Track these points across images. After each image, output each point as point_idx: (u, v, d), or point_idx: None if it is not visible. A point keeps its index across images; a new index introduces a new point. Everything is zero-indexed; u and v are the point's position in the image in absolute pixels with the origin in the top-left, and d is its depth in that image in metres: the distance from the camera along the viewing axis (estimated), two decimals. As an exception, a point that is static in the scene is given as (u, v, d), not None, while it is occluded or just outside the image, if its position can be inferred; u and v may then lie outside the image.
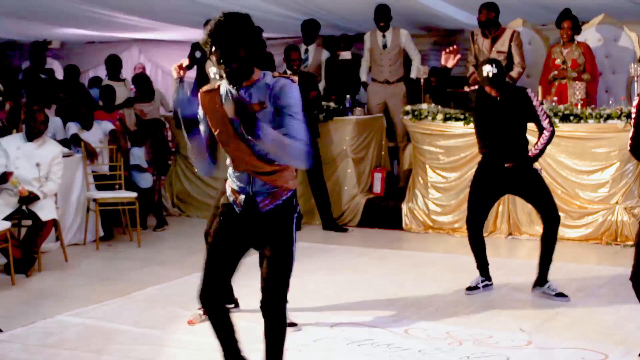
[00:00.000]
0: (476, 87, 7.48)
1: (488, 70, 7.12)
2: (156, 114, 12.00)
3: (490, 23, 10.46)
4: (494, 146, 7.24)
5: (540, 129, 7.15)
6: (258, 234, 4.61)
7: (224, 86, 4.45)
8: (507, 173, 7.21)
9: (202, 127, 4.58)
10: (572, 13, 10.34)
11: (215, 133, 4.52)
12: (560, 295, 7.13)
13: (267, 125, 4.24)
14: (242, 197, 4.56)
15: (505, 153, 7.17)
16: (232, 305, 6.63)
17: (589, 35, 11.08)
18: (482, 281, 7.45)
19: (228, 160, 4.61)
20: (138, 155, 10.73)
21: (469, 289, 7.41)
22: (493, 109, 7.19)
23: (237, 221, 4.62)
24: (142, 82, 12.25)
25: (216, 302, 4.75)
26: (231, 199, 4.64)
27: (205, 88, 4.56)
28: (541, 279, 7.27)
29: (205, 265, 4.70)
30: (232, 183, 4.63)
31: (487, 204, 7.50)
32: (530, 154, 7.16)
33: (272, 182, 4.49)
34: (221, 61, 4.31)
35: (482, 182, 7.37)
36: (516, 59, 10.39)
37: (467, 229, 7.52)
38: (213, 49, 4.34)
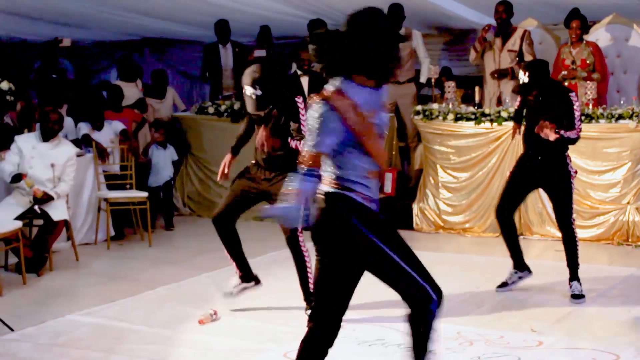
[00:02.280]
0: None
1: (520, 77, 7.23)
2: (167, 113, 11.99)
3: (503, 22, 10.49)
4: (536, 140, 7.23)
5: (571, 122, 7.17)
6: None
7: (352, 89, 4.05)
8: (543, 167, 7.21)
9: (324, 140, 3.98)
10: (580, 12, 10.33)
11: (360, 136, 3.98)
12: (575, 296, 7.11)
13: None
14: (373, 206, 4.22)
15: (545, 148, 7.19)
16: None
17: (600, 34, 11.06)
18: (515, 273, 7.45)
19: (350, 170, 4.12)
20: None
21: (501, 285, 7.40)
22: (535, 110, 7.23)
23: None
24: (157, 77, 12.26)
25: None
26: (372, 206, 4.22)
27: (327, 92, 4.01)
28: (570, 277, 7.28)
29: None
30: (362, 192, 4.15)
31: (519, 196, 7.48)
32: (561, 130, 7.10)
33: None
34: (381, 61, 4.08)
35: (519, 173, 7.38)
36: (527, 57, 10.37)
37: (496, 216, 7.48)
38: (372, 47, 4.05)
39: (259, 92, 6.24)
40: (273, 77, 6.33)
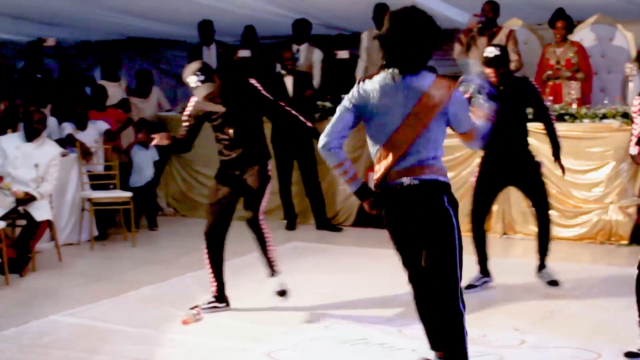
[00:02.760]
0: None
1: (490, 51, 7.15)
2: (151, 112, 11.96)
3: (489, 21, 10.52)
4: (497, 137, 7.19)
5: (544, 110, 7.18)
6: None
7: (381, 76, 4.58)
8: (510, 164, 7.21)
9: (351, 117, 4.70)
10: (565, 13, 10.37)
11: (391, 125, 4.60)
12: (552, 283, 7.18)
13: None
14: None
15: (509, 144, 7.19)
16: None
17: (585, 34, 11.10)
18: (480, 278, 7.45)
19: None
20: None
21: (468, 287, 7.40)
22: (497, 100, 7.15)
23: None
24: (142, 77, 12.24)
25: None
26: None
27: (368, 78, 4.63)
28: (540, 265, 7.40)
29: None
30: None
31: (491, 197, 7.49)
32: (556, 156, 7.29)
33: None
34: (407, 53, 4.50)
35: (487, 175, 7.36)
36: (513, 56, 10.37)
37: (471, 222, 7.46)
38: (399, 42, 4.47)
39: (202, 77, 6.49)
40: (213, 67, 6.59)
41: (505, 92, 7.15)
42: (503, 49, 7.24)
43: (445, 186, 4.66)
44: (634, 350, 5.54)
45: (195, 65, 6.61)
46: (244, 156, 6.77)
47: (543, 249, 7.44)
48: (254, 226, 6.94)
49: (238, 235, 10.19)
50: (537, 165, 7.32)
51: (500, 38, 10.54)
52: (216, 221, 6.85)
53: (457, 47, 11.03)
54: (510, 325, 6.34)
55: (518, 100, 7.19)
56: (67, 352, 5.95)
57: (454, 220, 4.58)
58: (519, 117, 7.28)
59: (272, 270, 6.93)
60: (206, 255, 6.88)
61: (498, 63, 7.12)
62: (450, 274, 4.59)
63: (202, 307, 6.77)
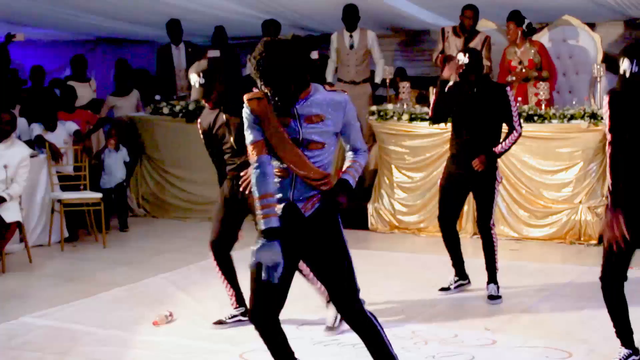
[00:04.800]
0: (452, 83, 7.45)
1: (459, 58, 7.13)
2: (128, 111, 11.90)
3: (469, 27, 10.60)
4: (465, 141, 7.20)
5: (511, 129, 7.14)
6: (304, 244, 4.52)
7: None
8: (471, 170, 7.18)
9: (253, 132, 4.43)
10: (517, 15, 10.46)
11: (269, 139, 4.42)
12: (491, 297, 7.16)
13: (350, 177, 4.67)
14: (281, 206, 4.44)
15: (476, 149, 7.14)
16: None
17: (552, 35, 11.19)
18: (456, 281, 7.45)
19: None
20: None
21: (442, 289, 7.42)
22: (468, 103, 7.16)
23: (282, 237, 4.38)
24: (120, 75, 12.20)
25: (272, 321, 4.56)
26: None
27: (250, 96, 4.44)
28: (488, 280, 7.30)
29: (257, 286, 4.44)
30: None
31: (458, 201, 7.45)
32: (496, 150, 7.12)
33: (320, 187, 4.49)
34: (274, 95, 4.33)
35: (450, 179, 7.34)
36: (485, 62, 10.40)
37: (439, 226, 7.47)
38: (263, 82, 4.32)
39: (202, 80, 6.38)
40: (219, 74, 6.47)
41: (477, 97, 7.13)
42: (474, 55, 7.19)
43: None
44: None
45: (203, 65, 6.56)
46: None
47: (488, 264, 7.30)
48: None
49: (209, 237, 10.18)
50: (494, 179, 7.25)
51: (476, 42, 10.61)
52: (222, 233, 6.66)
53: (434, 53, 11.09)
54: (482, 325, 6.38)
55: (488, 106, 7.12)
56: (38, 354, 5.92)
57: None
58: (488, 124, 7.20)
59: None
60: (217, 268, 6.66)
61: (467, 70, 7.11)
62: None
63: (227, 321, 6.58)
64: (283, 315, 6.32)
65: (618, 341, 5.40)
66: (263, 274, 4.28)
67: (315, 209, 4.50)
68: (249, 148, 4.45)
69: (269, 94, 4.34)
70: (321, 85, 4.57)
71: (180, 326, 6.52)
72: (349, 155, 4.77)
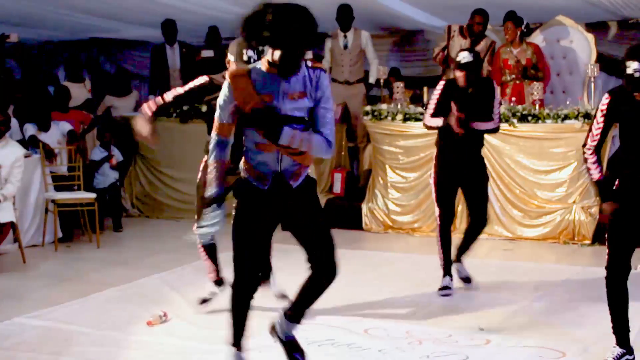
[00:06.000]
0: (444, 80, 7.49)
1: (464, 56, 7.15)
2: (126, 112, 11.89)
3: (480, 32, 10.61)
4: (453, 140, 7.24)
5: (491, 110, 7.24)
6: (290, 210, 4.77)
7: (256, 72, 4.58)
8: (461, 163, 7.22)
9: (224, 113, 4.63)
10: (514, 15, 10.49)
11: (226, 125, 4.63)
12: (466, 279, 7.34)
13: (289, 130, 4.51)
14: (270, 177, 4.67)
15: (462, 146, 7.20)
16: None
17: (546, 36, 11.20)
18: (450, 281, 7.46)
19: (250, 144, 4.67)
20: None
21: (442, 288, 7.41)
22: (463, 100, 7.19)
23: (266, 203, 4.71)
24: (121, 76, 12.20)
25: (253, 289, 4.92)
26: (255, 183, 4.71)
27: (235, 72, 4.62)
28: (456, 258, 7.48)
29: (240, 252, 4.78)
30: (252, 171, 4.70)
31: (453, 196, 7.48)
32: (475, 121, 7.16)
33: (300, 161, 4.63)
34: (280, 57, 4.44)
35: (443, 175, 7.32)
36: (485, 65, 10.41)
37: (440, 224, 7.42)
38: (272, 37, 4.42)
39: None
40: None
41: (474, 95, 7.19)
42: (477, 55, 7.24)
43: None
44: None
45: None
46: None
47: (464, 248, 7.51)
48: None
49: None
50: (485, 168, 7.32)
51: (482, 47, 10.62)
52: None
53: (436, 49, 11.09)
54: (476, 325, 6.38)
55: (483, 101, 7.20)
56: (32, 355, 5.90)
57: None
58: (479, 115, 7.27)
59: None
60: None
61: (469, 69, 7.14)
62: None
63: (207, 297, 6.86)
64: (276, 317, 6.32)
65: (611, 341, 5.41)
66: (201, 238, 4.64)
67: (301, 182, 4.73)
68: (216, 124, 4.67)
69: (270, 58, 4.48)
70: (303, 62, 4.65)
71: (174, 326, 6.50)
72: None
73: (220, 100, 4.65)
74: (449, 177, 7.30)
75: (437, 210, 7.42)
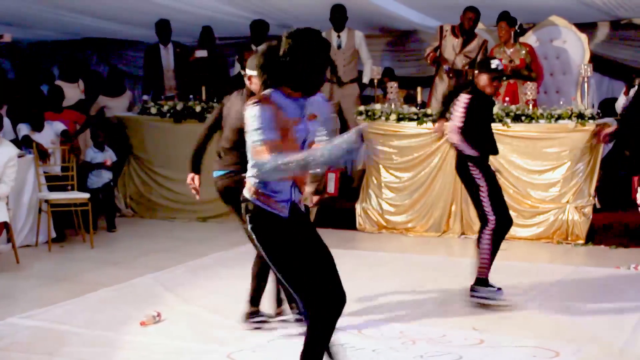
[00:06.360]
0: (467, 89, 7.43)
1: (497, 64, 7.01)
2: (120, 112, 11.88)
3: (469, 29, 10.63)
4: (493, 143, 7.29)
5: None
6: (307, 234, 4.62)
7: (277, 96, 4.39)
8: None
9: (269, 133, 4.28)
10: (508, 15, 10.51)
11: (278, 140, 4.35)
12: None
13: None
14: (287, 205, 4.48)
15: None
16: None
17: (539, 36, 11.22)
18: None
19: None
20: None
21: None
22: (490, 110, 7.29)
23: (290, 229, 4.51)
24: (114, 76, 12.20)
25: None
26: (275, 211, 4.47)
27: (257, 98, 4.37)
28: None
29: (306, 279, 4.56)
30: (268, 199, 4.46)
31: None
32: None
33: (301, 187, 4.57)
34: (302, 75, 4.37)
35: (493, 183, 7.12)
36: None
37: (495, 230, 7.08)
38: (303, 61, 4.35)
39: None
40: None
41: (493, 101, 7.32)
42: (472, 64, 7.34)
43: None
44: None
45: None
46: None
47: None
48: None
49: (197, 236, 10.20)
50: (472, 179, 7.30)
51: (474, 46, 10.64)
52: None
53: (428, 49, 11.10)
54: (470, 325, 6.39)
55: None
56: (25, 355, 5.89)
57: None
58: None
59: None
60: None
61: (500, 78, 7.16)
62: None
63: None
64: (269, 317, 6.32)
65: (605, 340, 5.42)
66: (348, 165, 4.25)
67: (305, 207, 4.73)
68: (265, 145, 4.26)
69: (295, 80, 4.38)
70: None
71: (167, 326, 6.49)
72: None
73: (257, 124, 4.28)
74: (496, 183, 7.19)
75: (492, 218, 7.08)
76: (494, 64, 6.99)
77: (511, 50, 10.52)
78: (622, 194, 9.88)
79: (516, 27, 10.62)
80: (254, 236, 4.48)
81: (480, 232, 7.11)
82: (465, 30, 10.70)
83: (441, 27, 10.97)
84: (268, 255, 4.48)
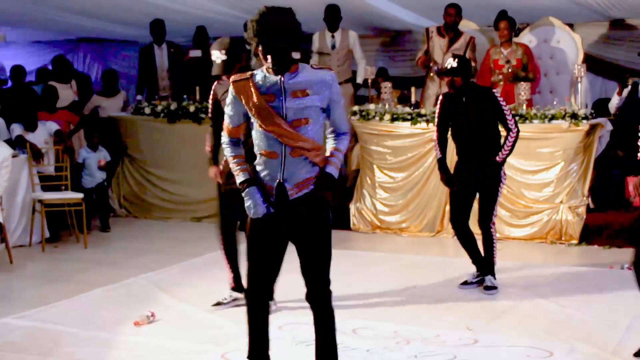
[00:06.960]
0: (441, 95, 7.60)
1: (448, 62, 7.32)
2: (114, 112, 11.86)
3: (453, 25, 10.64)
4: (467, 147, 7.37)
5: (507, 130, 7.27)
6: (291, 224, 4.72)
7: (259, 76, 4.65)
8: (476, 172, 7.31)
9: (230, 115, 4.76)
10: (508, 14, 10.53)
11: (255, 117, 4.62)
12: (487, 288, 7.36)
13: (334, 168, 4.68)
14: (273, 185, 4.65)
15: (479, 154, 7.31)
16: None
17: (533, 36, 11.22)
18: (477, 276, 7.54)
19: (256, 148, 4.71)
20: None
21: (464, 283, 7.52)
22: (462, 112, 7.31)
23: (274, 217, 4.70)
24: (108, 76, 12.20)
25: (265, 297, 4.89)
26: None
27: (235, 78, 4.71)
28: (486, 271, 7.50)
29: (252, 261, 4.79)
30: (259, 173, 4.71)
31: (467, 203, 7.56)
32: (497, 158, 7.26)
33: (312, 157, 4.61)
34: (269, 55, 4.53)
35: (459, 184, 7.47)
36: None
37: (453, 228, 7.67)
38: (260, 42, 4.55)
39: (224, 57, 6.50)
40: (243, 51, 6.52)
41: (468, 104, 7.28)
42: (462, 60, 7.33)
43: None
44: None
45: (225, 41, 6.66)
46: None
47: (486, 258, 7.52)
48: None
49: (191, 236, 10.19)
50: (500, 179, 7.37)
51: (460, 43, 10.65)
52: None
53: (419, 53, 11.12)
54: (464, 325, 6.39)
55: (481, 111, 7.26)
56: (19, 356, 5.89)
57: None
58: (484, 128, 7.32)
59: None
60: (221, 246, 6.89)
61: (454, 74, 7.23)
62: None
63: (224, 302, 6.91)
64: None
65: (599, 340, 5.43)
66: (251, 212, 4.62)
67: (304, 194, 4.65)
68: (225, 128, 4.82)
69: (264, 60, 4.55)
70: (308, 65, 4.76)
71: (162, 326, 6.49)
72: (330, 139, 4.84)
73: (227, 108, 4.76)
74: (464, 186, 7.56)
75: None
76: (445, 63, 7.42)
77: (508, 50, 10.53)
78: (615, 194, 9.91)
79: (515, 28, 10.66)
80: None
81: (488, 228, 7.41)
82: (449, 27, 10.71)
83: (427, 30, 11.01)
84: None
